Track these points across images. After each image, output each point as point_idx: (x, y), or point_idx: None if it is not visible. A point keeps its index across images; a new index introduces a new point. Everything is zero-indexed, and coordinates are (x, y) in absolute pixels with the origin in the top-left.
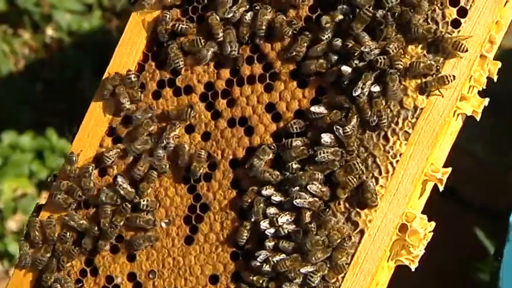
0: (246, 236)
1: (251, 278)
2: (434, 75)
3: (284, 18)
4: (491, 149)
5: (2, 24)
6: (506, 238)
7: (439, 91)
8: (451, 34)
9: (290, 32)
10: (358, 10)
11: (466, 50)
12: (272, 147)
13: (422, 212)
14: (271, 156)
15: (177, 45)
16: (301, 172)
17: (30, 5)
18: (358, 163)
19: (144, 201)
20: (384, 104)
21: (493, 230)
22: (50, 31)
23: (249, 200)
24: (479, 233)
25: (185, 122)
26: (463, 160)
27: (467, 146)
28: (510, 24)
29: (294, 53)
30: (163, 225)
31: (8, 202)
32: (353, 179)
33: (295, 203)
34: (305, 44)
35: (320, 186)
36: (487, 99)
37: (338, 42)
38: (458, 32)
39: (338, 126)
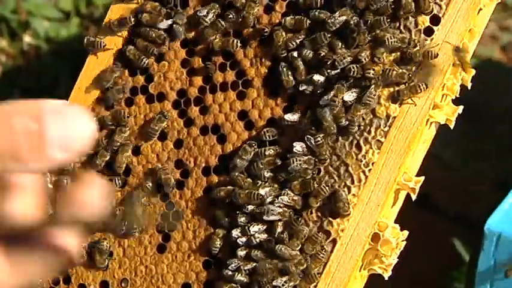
0: (219, 245)
1: (223, 287)
2: (406, 84)
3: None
4: (465, 156)
5: None
6: (480, 247)
7: (412, 100)
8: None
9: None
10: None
11: (436, 56)
12: (253, 145)
13: (397, 220)
14: (252, 155)
15: (133, 47)
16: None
17: (8, 12)
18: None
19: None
20: (359, 110)
21: (468, 239)
22: (27, 38)
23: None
24: (455, 242)
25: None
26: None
27: (441, 153)
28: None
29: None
30: (136, 233)
31: None
32: (325, 188)
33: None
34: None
35: (292, 195)
36: (461, 107)
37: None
38: (431, 40)
39: (309, 136)
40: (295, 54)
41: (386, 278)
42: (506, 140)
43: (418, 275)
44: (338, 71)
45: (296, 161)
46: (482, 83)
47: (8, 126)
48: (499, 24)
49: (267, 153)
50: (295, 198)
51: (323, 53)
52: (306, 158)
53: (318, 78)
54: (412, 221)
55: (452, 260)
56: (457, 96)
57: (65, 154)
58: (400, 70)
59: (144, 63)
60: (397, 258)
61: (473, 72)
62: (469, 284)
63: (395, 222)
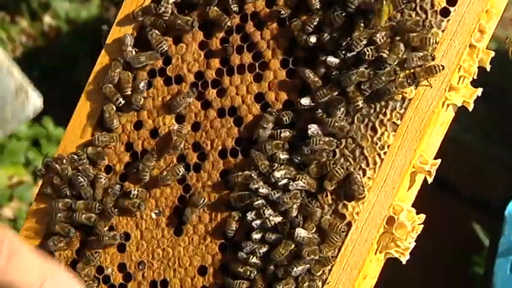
0: (235, 228)
1: (238, 269)
2: (423, 66)
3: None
4: (487, 141)
5: (0, 12)
6: (501, 231)
7: (428, 81)
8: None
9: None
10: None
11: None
12: (273, 113)
13: (416, 204)
14: (272, 124)
15: (157, 31)
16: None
17: None
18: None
19: (134, 190)
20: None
21: (488, 223)
22: (47, 19)
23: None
24: (476, 226)
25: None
26: (457, 152)
27: (462, 137)
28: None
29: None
30: (153, 215)
31: (4, 189)
32: (340, 170)
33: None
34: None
35: (308, 179)
36: (480, 89)
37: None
38: (448, 21)
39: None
40: (312, 39)
41: (404, 262)
42: None
43: (438, 259)
44: (354, 53)
45: (316, 141)
46: (504, 66)
47: None
48: None
49: (282, 135)
50: (311, 181)
51: (338, 36)
52: (327, 139)
53: (333, 60)
54: (432, 205)
55: (472, 245)
56: (476, 78)
57: None
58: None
59: (163, 49)
60: (416, 242)
61: (492, 54)
62: (488, 268)
63: (415, 205)
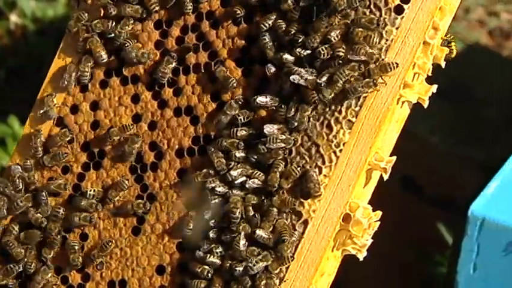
0: (192, 226)
1: (196, 268)
2: (377, 63)
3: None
4: (452, 141)
5: None
6: (464, 231)
7: (382, 79)
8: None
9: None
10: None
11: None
12: (240, 102)
13: (380, 203)
14: (237, 111)
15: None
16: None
17: None
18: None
19: (91, 190)
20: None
21: (453, 223)
22: (14, 17)
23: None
24: (440, 226)
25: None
26: (423, 152)
27: (427, 137)
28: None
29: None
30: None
31: None
32: (296, 169)
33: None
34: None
35: (263, 177)
36: (435, 86)
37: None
38: (402, 18)
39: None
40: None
41: (361, 259)
42: (493, 124)
43: (401, 258)
44: (309, 51)
45: (273, 139)
46: (470, 67)
47: None
48: (487, 9)
49: (239, 134)
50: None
51: (293, 32)
52: (284, 137)
53: (287, 57)
54: (396, 204)
55: (436, 244)
56: (430, 75)
57: None
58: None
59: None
60: (376, 240)
61: (446, 50)
62: (451, 268)
63: (378, 204)
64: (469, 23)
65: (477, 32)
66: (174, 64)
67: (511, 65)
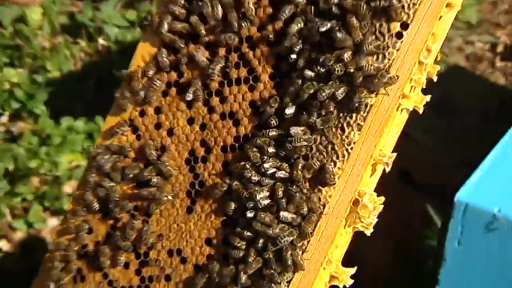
0: (233, 207)
1: (236, 242)
2: (383, 78)
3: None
4: (440, 141)
5: (65, 34)
6: (451, 215)
7: (385, 90)
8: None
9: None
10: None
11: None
12: (278, 100)
13: (381, 192)
14: (277, 105)
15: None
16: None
17: (86, 20)
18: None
19: (154, 178)
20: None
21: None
22: (101, 40)
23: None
24: (429, 208)
25: None
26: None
27: (420, 139)
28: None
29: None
30: (170, 197)
31: (64, 171)
32: (316, 162)
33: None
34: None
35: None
36: (428, 96)
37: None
38: (401, 42)
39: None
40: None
41: (368, 234)
42: (472, 128)
43: (398, 235)
44: (326, 68)
45: (298, 139)
46: (452, 83)
47: None
48: (465, 39)
49: (270, 134)
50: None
51: (314, 55)
52: (307, 137)
53: (308, 73)
54: (395, 192)
55: (426, 224)
56: (424, 87)
57: None
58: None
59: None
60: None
61: (437, 67)
62: (440, 243)
63: (379, 193)
64: (450, 49)
65: (456, 56)
66: (223, 63)
67: (483, 82)
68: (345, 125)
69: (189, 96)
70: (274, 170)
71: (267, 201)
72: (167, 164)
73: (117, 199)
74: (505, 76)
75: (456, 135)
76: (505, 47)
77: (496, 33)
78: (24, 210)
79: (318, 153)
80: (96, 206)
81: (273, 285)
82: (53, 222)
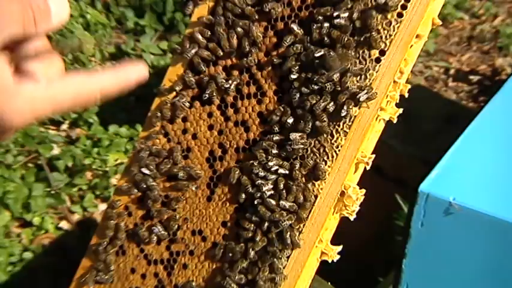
0: (244, 197)
1: (245, 224)
2: (365, 94)
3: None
4: (405, 144)
5: (112, 61)
6: (415, 203)
7: (367, 104)
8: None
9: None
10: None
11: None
12: (283, 108)
13: (359, 184)
14: (281, 113)
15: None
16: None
17: (129, 49)
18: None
19: (181, 173)
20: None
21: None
22: None
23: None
24: (397, 196)
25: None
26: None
27: (391, 142)
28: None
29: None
30: (194, 189)
31: (111, 167)
32: (310, 161)
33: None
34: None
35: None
36: (401, 110)
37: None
38: (380, 65)
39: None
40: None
41: (352, 220)
42: (429, 135)
43: (372, 218)
44: (319, 86)
45: (296, 143)
46: (414, 99)
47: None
48: (424, 64)
49: (274, 138)
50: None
51: (310, 75)
52: (303, 141)
53: (304, 89)
54: (370, 185)
55: (396, 208)
56: (398, 102)
57: (58, 22)
58: (359, 83)
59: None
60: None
61: (408, 86)
62: (407, 224)
63: (360, 186)
64: (413, 72)
65: (418, 78)
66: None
67: (438, 98)
68: (333, 131)
69: (206, 96)
70: (276, 167)
71: (270, 192)
72: (193, 167)
73: (154, 187)
74: (456, 93)
75: (416, 139)
76: (456, 71)
77: (449, 60)
78: (80, 197)
79: (312, 154)
80: (135, 192)
81: (275, 259)
82: (102, 207)
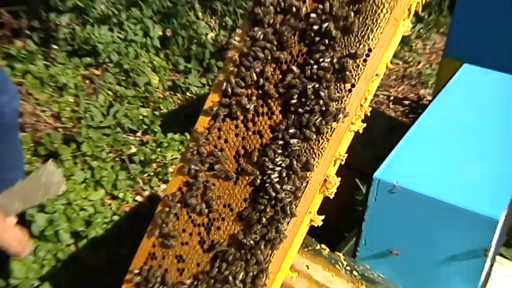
0: (259, 182)
1: (260, 200)
2: (341, 113)
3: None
4: (364, 147)
5: (170, 91)
6: (370, 186)
7: (342, 120)
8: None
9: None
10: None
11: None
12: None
13: (336, 174)
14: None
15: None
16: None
17: (181, 83)
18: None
19: (216, 165)
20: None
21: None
22: (188, 94)
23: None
24: (357, 181)
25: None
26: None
27: (356, 147)
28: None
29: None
30: (227, 174)
31: (169, 160)
32: (303, 158)
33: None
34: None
35: (288, 161)
36: (365, 124)
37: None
38: (351, 94)
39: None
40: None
41: (331, 198)
42: (378, 140)
43: (342, 196)
44: (310, 107)
45: (294, 145)
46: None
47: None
48: (374, 93)
49: (279, 142)
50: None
51: (304, 100)
52: (300, 144)
53: (301, 110)
54: (342, 174)
55: (357, 188)
56: (363, 119)
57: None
58: (337, 106)
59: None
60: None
61: (370, 108)
62: (365, 199)
63: (336, 174)
64: (379, 102)
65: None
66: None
67: (383, 116)
68: (319, 138)
69: (234, 114)
70: (281, 162)
71: (277, 179)
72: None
73: (199, 175)
74: (394, 112)
75: (369, 143)
76: (394, 98)
77: (390, 90)
78: (149, 180)
79: (305, 153)
80: (187, 177)
81: (279, 224)
82: (163, 186)
